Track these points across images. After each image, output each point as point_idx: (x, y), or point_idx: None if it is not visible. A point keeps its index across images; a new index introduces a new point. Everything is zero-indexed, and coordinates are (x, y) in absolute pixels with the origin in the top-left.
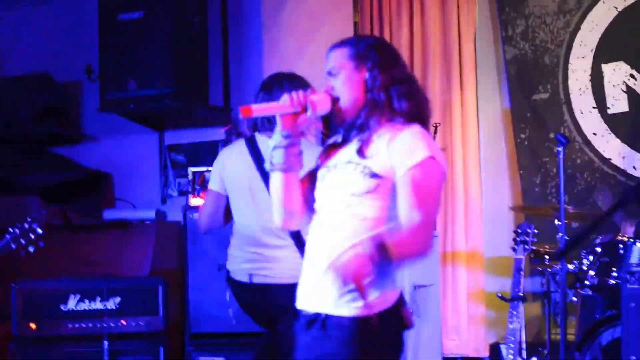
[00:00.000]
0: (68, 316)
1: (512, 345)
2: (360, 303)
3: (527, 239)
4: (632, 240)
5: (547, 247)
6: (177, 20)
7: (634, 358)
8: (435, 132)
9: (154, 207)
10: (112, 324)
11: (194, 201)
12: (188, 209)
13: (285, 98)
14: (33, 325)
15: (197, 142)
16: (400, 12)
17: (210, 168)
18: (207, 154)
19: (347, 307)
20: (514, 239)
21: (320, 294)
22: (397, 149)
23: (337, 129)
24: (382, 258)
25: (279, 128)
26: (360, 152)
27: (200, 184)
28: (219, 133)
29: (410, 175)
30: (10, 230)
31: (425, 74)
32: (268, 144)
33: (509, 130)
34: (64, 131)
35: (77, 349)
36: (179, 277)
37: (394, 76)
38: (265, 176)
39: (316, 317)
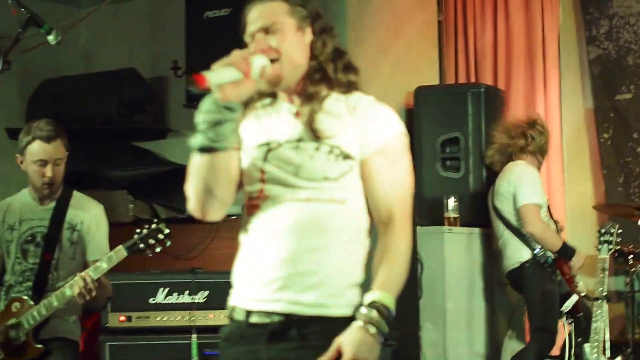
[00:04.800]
0: (157, 309)
1: (596, 344)
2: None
3: (611, 238)
4: None
5: (631, 246)
6: None
7: None
8: None
9: (240, 202)
10: (199, 317)
11: None
12: None
13: (236, 56)
14: (122, 318)
15: None
16: (485, 12)
17: None
18: None
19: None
20: (598, 239)
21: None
22: (367, 122)
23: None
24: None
25: (218, 98)
26: (317, 130)
27: None
28: None
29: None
30: (138, 230)
31: (508, 73)
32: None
33: (592, 130)
34: (150, 126)
35: (166, 342)
36: None
37: (338, 45)
38: None
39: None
